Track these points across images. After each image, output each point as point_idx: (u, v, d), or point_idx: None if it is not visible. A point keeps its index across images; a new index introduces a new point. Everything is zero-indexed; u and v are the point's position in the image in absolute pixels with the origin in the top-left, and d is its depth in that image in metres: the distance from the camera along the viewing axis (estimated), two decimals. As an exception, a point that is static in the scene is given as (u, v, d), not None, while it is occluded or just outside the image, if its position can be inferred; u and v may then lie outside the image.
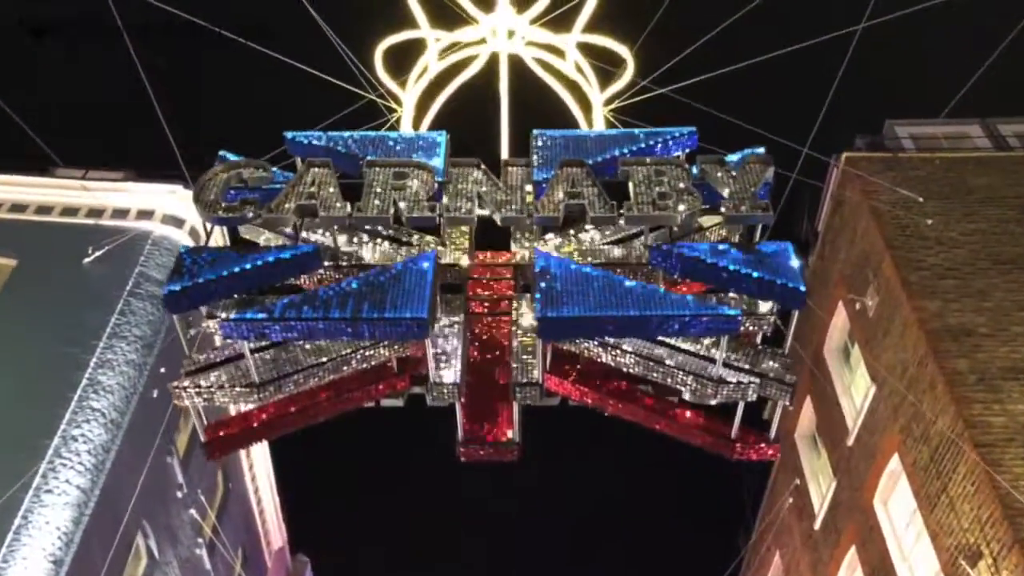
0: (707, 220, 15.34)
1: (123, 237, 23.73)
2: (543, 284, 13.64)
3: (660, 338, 14.33)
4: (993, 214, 23.56)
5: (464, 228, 15.88)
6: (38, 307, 23.17)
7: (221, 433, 15.06)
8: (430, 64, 17.90)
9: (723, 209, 13.99)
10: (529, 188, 14.63)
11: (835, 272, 25.83)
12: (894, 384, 22.28)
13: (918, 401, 21.20)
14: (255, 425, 15.09)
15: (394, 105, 18.31)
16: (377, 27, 18.57)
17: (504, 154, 19.12)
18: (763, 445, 14.88)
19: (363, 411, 16.32)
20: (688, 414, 15.12)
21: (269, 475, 30.45)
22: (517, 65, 18.89)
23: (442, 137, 15.64)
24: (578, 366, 15.55)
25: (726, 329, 13.38)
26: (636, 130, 15.80)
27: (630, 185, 14.26)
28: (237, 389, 14.01)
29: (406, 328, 13.35)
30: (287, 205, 14.01)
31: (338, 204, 14.08)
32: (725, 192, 14.10)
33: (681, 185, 14.15)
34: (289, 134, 15.54)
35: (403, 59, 18.67)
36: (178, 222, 24.87)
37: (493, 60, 18.92)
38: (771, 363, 14.25)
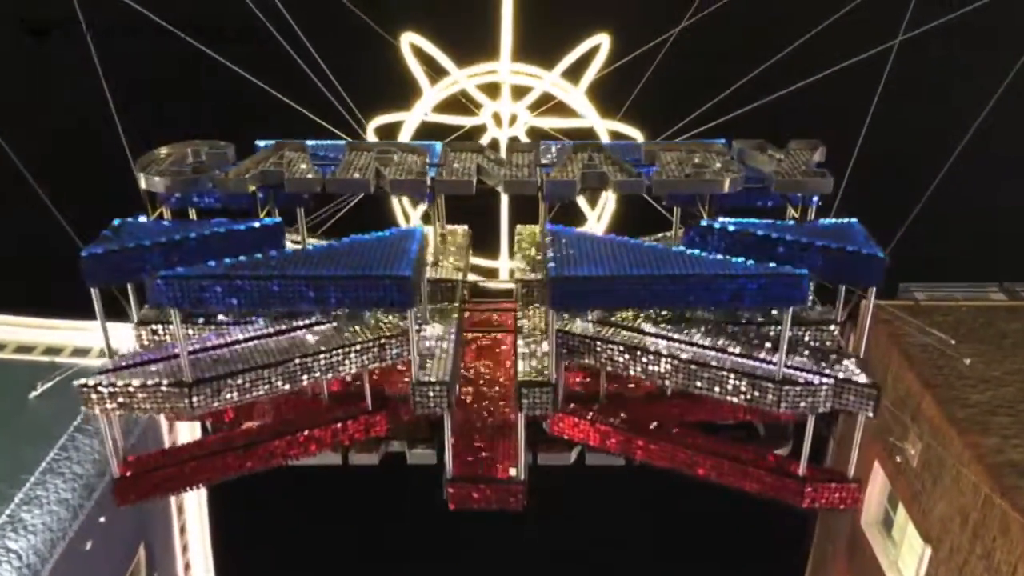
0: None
1: (71, 370, 20.38)
2: (555, 247, 10.35)
3: (703, 342, 10.83)
4: (1036, 356, 20.52)
5: (461, 242, 12.80)
6: (-27, 441, 19.25)
7: (140, 470, 11.01)
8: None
9: (773, 179, 10.92)
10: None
11: (865, 433, 22.13)
12: (955, 537, 18.13)
13: (988, 551, 17.03)
14: (188, 461, 11.10)
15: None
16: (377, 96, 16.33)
17: (504, 238, 16.43)
18: (841, 485, 10.91)
19: (330, 485, 12.45)
20: (740, 451, 11.26)
21: None
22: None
23: (438, 144, 12.84)
24: (596, 406, 11.89)
25: (792, 297, 9.94)
26: (661, 142, 13.05)
27: (658, 165, 11.32)
28: (164, 388, 10.24)
29: (385, 292, 9.88)
30: (248, 175, 10.96)
31: (311, 175, 11.05)
32: (769, 170, 11.15)
33: (718, 165, 11.24)
34: (261, 143, 12.71)
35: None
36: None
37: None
38: (844, 364, 10.63)
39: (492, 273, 15.41)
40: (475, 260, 15.57)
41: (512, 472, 10.97)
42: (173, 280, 9.80)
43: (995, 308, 22.62)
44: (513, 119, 16.68)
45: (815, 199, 11.51)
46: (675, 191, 11.04)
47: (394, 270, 9.87)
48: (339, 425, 11.52)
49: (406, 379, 11.56)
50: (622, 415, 11.57)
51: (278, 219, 11.01)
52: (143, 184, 10.97)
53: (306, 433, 11.41)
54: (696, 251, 10.35)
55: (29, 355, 21.74)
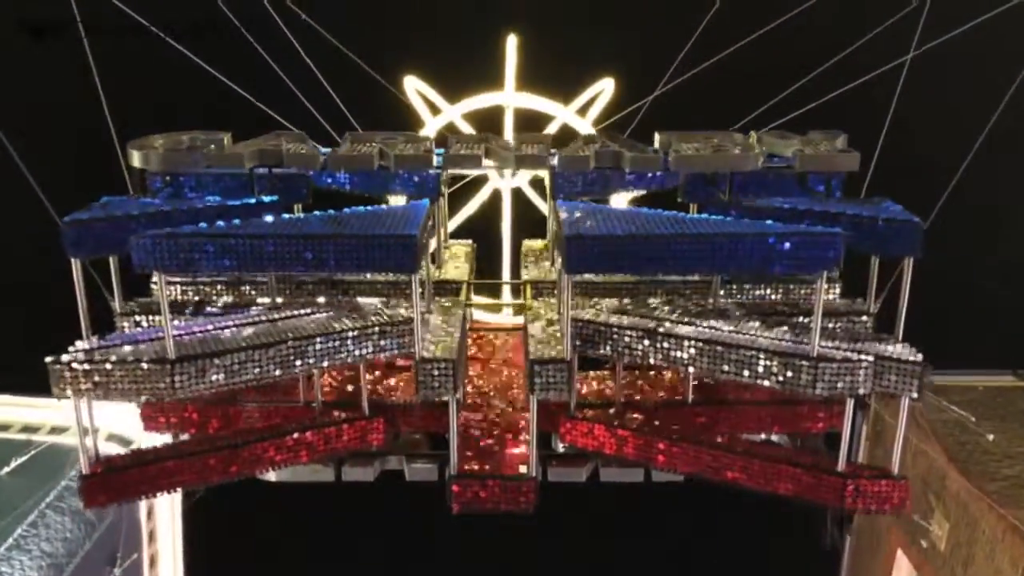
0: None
1: (43, 446, 19.53)
2: (569, 214, 9.64)
3: (727, 328, 9.96)
4: (1061, 434, 19.59)
5: (465, 250, 12.07)
6: (-60, 517, 18.16)
7: (111, 467, 9.84)
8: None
9: (797, 157, 10.34)
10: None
11: (885, 519, 20.78)
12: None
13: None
14: (166, 460, 9.94)
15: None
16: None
17: (506, 272, 15.67)
18: (884, 483, 9.77)
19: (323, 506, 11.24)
20: (771, 449, 10.19)
21: None
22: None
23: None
24: (611, 410, 10.88)
25: (826, 258, 9.15)
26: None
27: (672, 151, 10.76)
28: (144, 366, 9.23)
29: (388, 253, 9.08)
30: (245, 151, 10.35)
31: (310, 153, 10.44)
32: (789, 152, 10.60)
33: (737, 150, 10.69)
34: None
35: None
36: (125, 443, 20.21)
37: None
38: (884, 345, 9.73)
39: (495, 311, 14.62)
40: (477, 299, 14.85)
41: (523, 469, 9.87)
42: (161, 238, 8.98)
43: (1012, 388, 21.87)
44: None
45: (837, 192, 10.91)
46: (696, 168, 10.39)
47: (399, 230, 9.12)
48: (333, 430, 10.43)
49: (407, 386, 10.67)
50: (639, 420, 10.53)
51: (275, 197, 10.32)
52: (135, 161, 10.30)
53: (296, 436, 10.30)
54: (720, 216, 9.65)
55: (6, 433, 20.69)
